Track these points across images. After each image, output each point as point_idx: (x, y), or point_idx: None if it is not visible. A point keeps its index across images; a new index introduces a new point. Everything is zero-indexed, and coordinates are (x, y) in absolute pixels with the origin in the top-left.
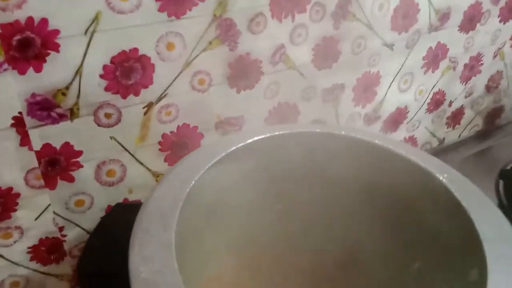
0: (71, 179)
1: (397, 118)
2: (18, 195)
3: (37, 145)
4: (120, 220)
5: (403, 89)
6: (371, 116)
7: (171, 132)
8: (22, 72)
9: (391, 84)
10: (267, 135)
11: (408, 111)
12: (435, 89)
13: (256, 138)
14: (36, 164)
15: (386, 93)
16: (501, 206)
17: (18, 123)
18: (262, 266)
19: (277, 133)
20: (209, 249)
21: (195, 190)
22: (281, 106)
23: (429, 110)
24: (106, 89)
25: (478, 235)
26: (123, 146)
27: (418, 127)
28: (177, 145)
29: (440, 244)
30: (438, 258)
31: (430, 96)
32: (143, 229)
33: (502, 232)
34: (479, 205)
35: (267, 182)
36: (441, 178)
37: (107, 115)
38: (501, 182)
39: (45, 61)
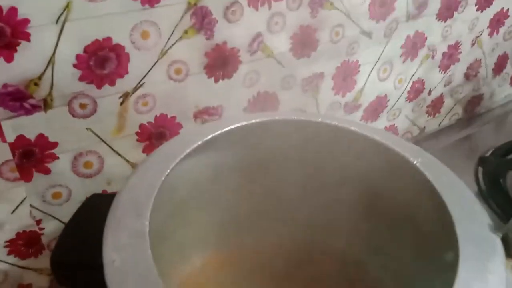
0: (47, 171)
1: (377, 107)
2: None
3: (10, 136)
4: (95, 211)
5: (383, 77)
6: (351, 105)
7: (149, 122)
8: None
9: (370, 72)
10: (244, 123)
11: (388, 100)
12: (414, 78)
13: (233, 126)
14: (10, 156)
15: (365, 82)
16: (479, 192)
17: None
18: (242, 257)
19: (254, 121)
20: (187, 241)
21: (170, 179)
22: (261, 95)
23: (409, 99)
24: (80, 79)
25: (451, 216)
26: (99, 137)
27: (398, 116)
28: (156, 136)
29: (414, 227)
30: (412, 242)
31: (410, 85)
32: (117, 219)
33: (473, 213)
34: (451, 187)
35: (245, 170)
36: (415, 162)
37: (82, 106)
38: (480, 169)
39: (15, 50)
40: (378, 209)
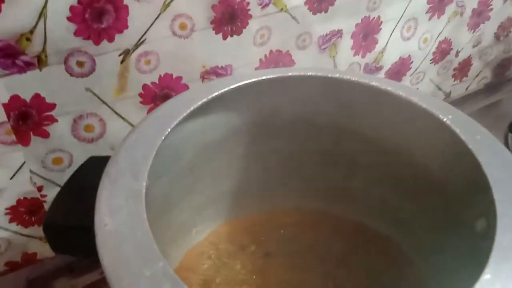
0: (45, 135)
1: (400, 69)
2: None
3: (4, 97)
4: (93, 173)
5: (406, 36)
6: (371, 66)
7: (153, 83)
8: None
9: (393, 31)
10: (255, 80)
11: (412, 62)
12: (441, 37)
13: (243, 83)
14: (4, 117)
15: (387, 41)
16: None
17: None
18: (254, 227)
19: (266, 77)
20: (193, 209)
21: (173, 140)
22: (273, 54)
23: (434, 61)
24: (76, 34)
25: (486, 179)
26: (100, 99)
27: (422, 79)
28: (160, 98)
29: (444, 193)
30: (440, 210)
31: (436, 45)
32: (112, 179)
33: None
34: (487, 147)
35: (256, 133)
36: (444, 119)
37: (80, 64)
38: (510, 136)
39: (3, 1)
40: (402, 174)
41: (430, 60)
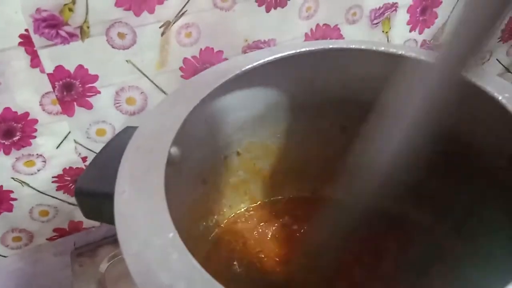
0: (89, 106)
1: None
2: (35, 121)
3: (49, 67)
4: (126, 142)
5: None
6: (430, 44)
7: (193, 56)
8: None
9: (456, 4)
10: (295, 51)
11: None
12: None
13: (281, 55)
14: (50, 88)
15: (449, 16)
16: None
17: (26, 41)
18: (287, 210)
19: (307, 49)
20: (224, 190)
21: (205, 112)
22: (320, 29)
23: (503, 39)
24: (117, 4)
25: None
26: (141, 71)
27: (488, 59)
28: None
29: (495, 180)
30: (492, 198)
31: (505, 21)
32: (136, 148)
33: None
34: None
35: (298, 110)
36: (500, 98)
37: (121, 35)
38: None
39: None
40: (450, 158)
41: (498, 38)
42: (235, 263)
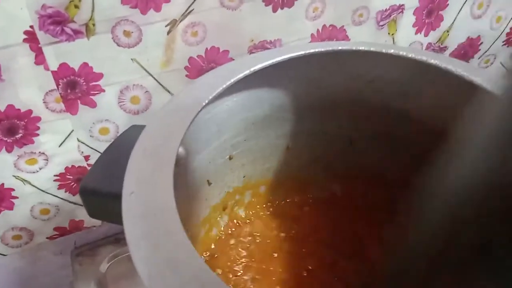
0: (93, 104)
1: (468, 50)
2: (38, 118)
3: (53, 64)
4: (133, 141)
5: (477, 14)
6: (435, 46)
7: (199, 56)
8: None
9: (462, 7)
10: (301, 53)
11: (482, 43)
12: None
13: (287, 56)
14: (54, 85)
15: (455, 19)
16: None
17: (31, 38)
18: (296, 215)
19: (314, 50)
20: (231, 190)
21: (211, 112)
22: (327, 30)
23: (507, 43)
24: (123, 2)
25: None
26: (146, 70)
27: (493, 62)
28: (206, 71)
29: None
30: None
31: (510, 25)
32: (143, 148)
33: None
34: None
35: (304, 112)
36: None
37: (127, 33)
38: None
39: None
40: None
41: (503, 42)
42: (239, 266)
